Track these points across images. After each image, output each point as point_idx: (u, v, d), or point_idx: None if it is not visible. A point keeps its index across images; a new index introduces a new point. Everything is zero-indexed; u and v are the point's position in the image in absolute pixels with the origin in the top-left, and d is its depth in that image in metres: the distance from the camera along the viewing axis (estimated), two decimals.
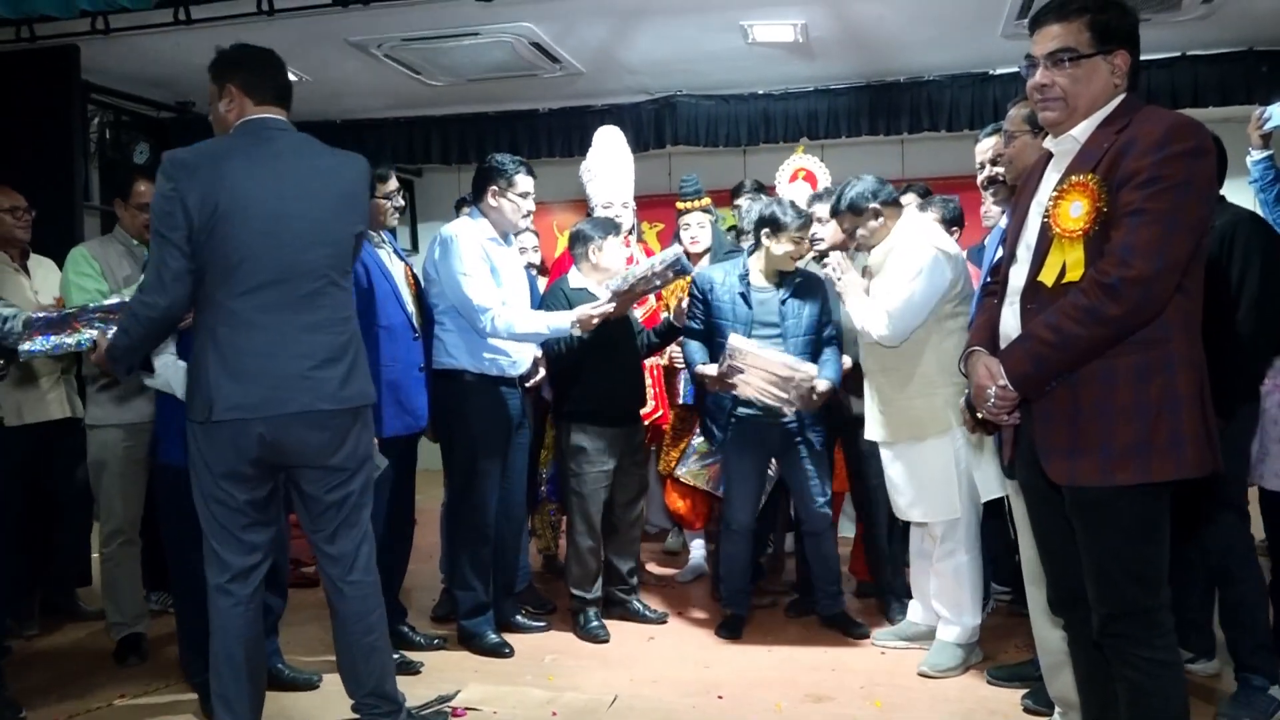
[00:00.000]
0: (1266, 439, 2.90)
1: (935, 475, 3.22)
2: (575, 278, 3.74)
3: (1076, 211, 1.97)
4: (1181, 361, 1.93)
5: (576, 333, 3.41)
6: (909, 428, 3.25)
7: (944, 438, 3.20)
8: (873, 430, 3.37)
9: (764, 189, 4.82)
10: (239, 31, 4.81)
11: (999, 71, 5.95)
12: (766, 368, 3.36)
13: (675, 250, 3.41)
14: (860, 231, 3.32)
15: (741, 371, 3.38)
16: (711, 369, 3.48)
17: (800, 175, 4.65)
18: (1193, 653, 3.14)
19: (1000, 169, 3.00)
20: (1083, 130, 2.05)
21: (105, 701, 3.10)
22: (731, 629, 3.67)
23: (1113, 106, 2.03)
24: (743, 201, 4.55)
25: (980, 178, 3.12)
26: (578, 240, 3.76)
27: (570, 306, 3.57)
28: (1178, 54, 5.60)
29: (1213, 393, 2.51)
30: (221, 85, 2.49)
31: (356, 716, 2.64)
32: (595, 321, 3.37)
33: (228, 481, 2.42)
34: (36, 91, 5.03)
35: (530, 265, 4.25)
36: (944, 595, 3.31)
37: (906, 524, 3.54)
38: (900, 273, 3.18)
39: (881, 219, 3.29)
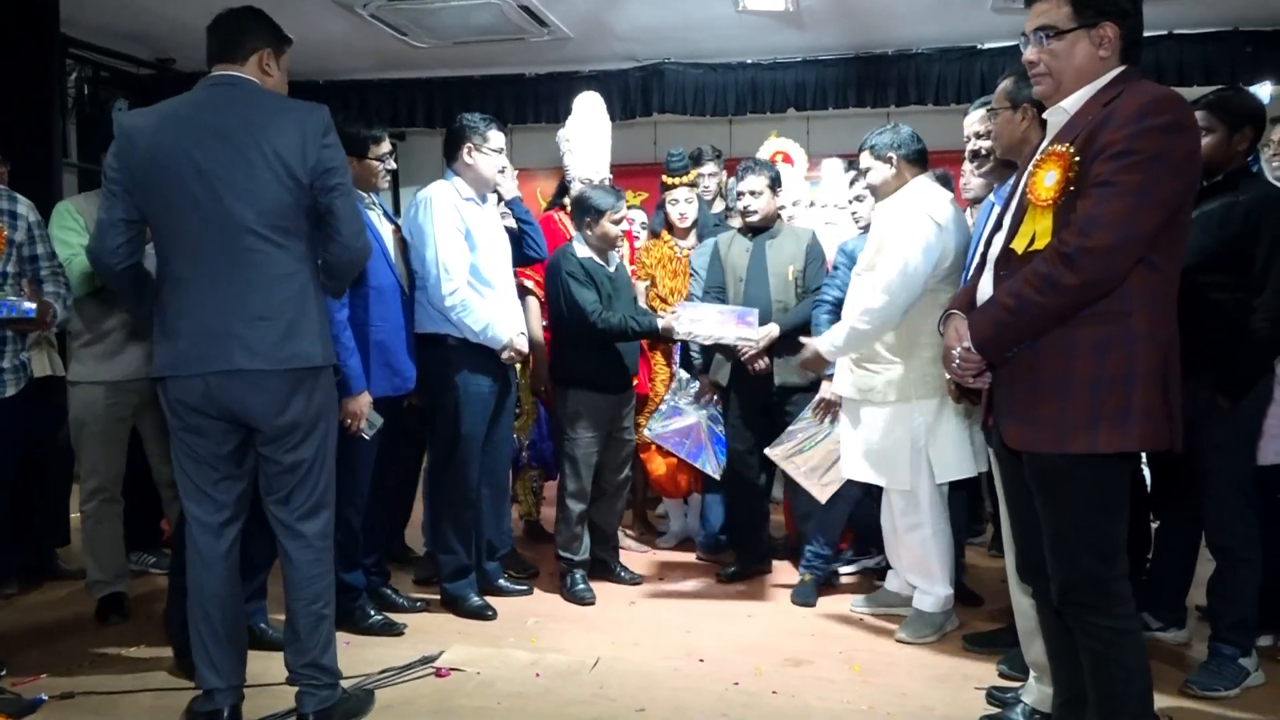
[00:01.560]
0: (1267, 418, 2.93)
1: (890, 441, 3.26)
2: (581, 247, 3.73)
3: (1050, 181, 2.00)
4: (1142, 337, 1.94)
5: (504, 356, 3.47)
6: (874, 391, 3.28)
7: (906, 406, 3.23)
8: (840, 386, 3.44)
9: (720, 155, 4.82)
10: None
11: (988, 46, 5.98)
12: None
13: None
14: (872, 179, 3.32)
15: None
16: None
17: (779, 158, 4.66)
18: (1163, 622, 3.21)
19: (984, 143, 3.02)
20: (1073, 102, 2.06)
21: (86, 659, 3.09)
22: (804, 595, 3.70)
23: (1106, 79, 2.02)
24: (705, 169, 4.58)
25: (966, 150, 3.13)
26: (585, 209, 3.72)
27: (588, 277, 3.64)
28: (1164, 32, 5.64)
29: (1227, 373, 2.57)
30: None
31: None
32: (514, 360, 3.54)
33: (188, 434, 2.43)
34: (15, 44, 4.94)
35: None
36: (915, 567, 3.37)
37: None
38: (896, 246, 3.15)
39: (894, 170, 3.27)
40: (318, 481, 2.52)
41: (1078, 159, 1.96)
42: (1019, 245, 2.06)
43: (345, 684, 2.68)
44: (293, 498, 2.49)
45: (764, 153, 4.64)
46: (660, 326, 3.64)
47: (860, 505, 3.88)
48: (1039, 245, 2.01)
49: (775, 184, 3.92)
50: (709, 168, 4.71)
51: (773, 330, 3.68)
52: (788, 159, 4.62)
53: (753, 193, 3.87)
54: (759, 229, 3.91)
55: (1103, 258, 1.90)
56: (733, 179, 4.26)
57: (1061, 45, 2.03)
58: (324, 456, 2.53)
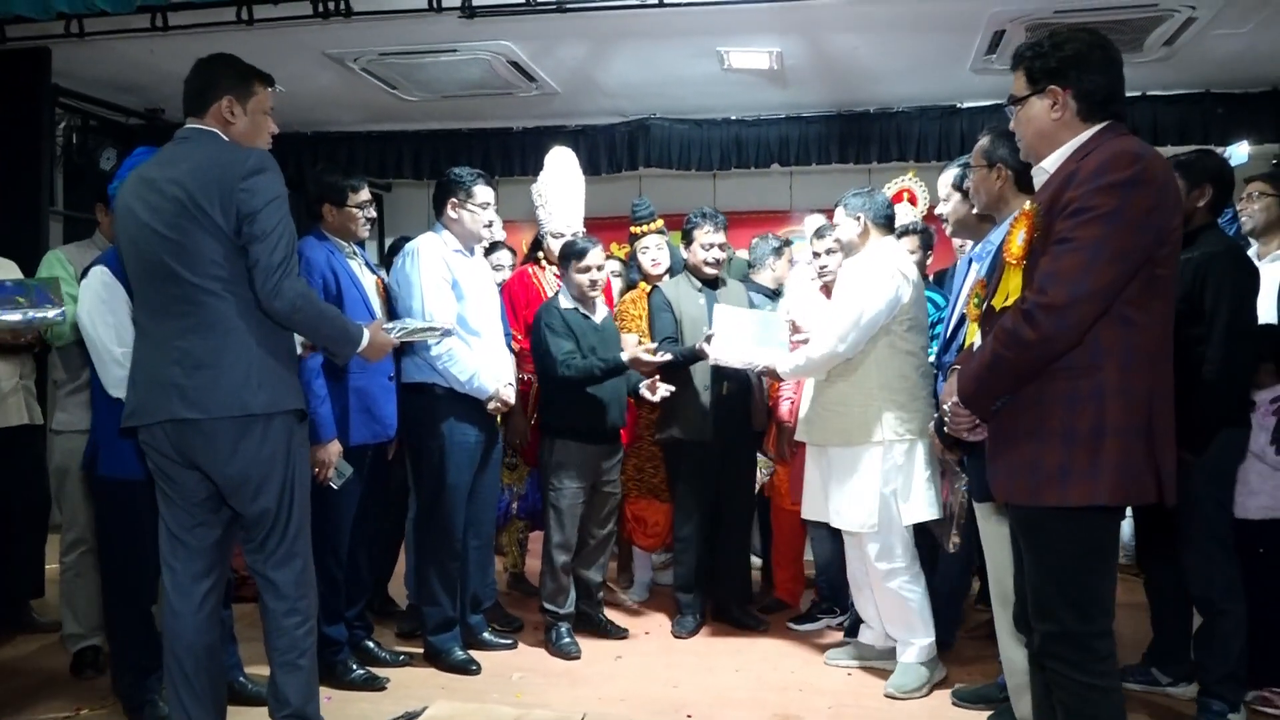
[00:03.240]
0: (1245, 470, 2.97)
1: (855, 482, 3.29)
2: (564, 299, 3.76)
3: (1021, 239, 2.06)
4: (1113, 391, 1.95)
5: (490, 407, 3.49)
6: (840, 433, 3.33)
7: (874, 449, 3.27)
8: (803, 431, 3.49)
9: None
10: (214, 40, 4.80)
11: (967, 105, 6.11)
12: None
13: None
14: (840, 234, 3.43)
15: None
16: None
17: (904, 196, 4.75)
18: (1171, 677, 3.20)
19: (944, 207, 3.11)
20: (1052, 162, 2.12)
21: (61, 713, 3.02)
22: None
23: (1083, 138, 2.07)
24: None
25: (943, 209, 3.18)
26: (559, 260, 3.78)
27: (566, 328, 3.65)
28: (1138, 94, 5.79)
29: (1182, 426, 2.59)
30: None
31: None
32: (500, 411, 3.56)
33: (163, 479, 2.46)
34: (5, 94, 4.97)
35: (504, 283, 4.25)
36: (894, 618, 3.36)
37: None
38: (858, 287, 3.27)
39: (861, 229, 3.38)
40: (285, 530, 2.48)
41: (1041, 218, 2.01)
42: (997, 303, 2.13)
43: None
44: (265, 546, 2.48)
45: (892, 189, 4.70)
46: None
47: (830, 561, 3.89)
48: (1010, 302, 2.06)
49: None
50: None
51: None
52: (913, 199, 4.69)
53: (720, 245, 3.94)
54: (709, 281, 3.98)
55: (1058, 313, 1.93)
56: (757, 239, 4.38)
57: (1022, 111, 2.15)
58: (289, 505, 2.48)
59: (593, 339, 3.72)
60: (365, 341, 2.66)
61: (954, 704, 3.17)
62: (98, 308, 2.80)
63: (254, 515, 2.45)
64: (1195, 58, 5.25)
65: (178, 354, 2.37)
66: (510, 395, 3.55)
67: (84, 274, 2.91)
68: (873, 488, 3.26)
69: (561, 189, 4.19)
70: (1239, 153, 5.28)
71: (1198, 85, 5.80)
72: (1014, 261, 2.07)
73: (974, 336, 2.60)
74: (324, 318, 2.55)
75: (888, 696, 3.25)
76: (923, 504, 3.24)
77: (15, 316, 3.00)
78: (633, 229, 4.36)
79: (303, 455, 2.55)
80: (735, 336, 3.62)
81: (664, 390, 3.67)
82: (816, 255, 3.88)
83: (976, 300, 2.82)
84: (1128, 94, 6.08)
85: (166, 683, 2.49)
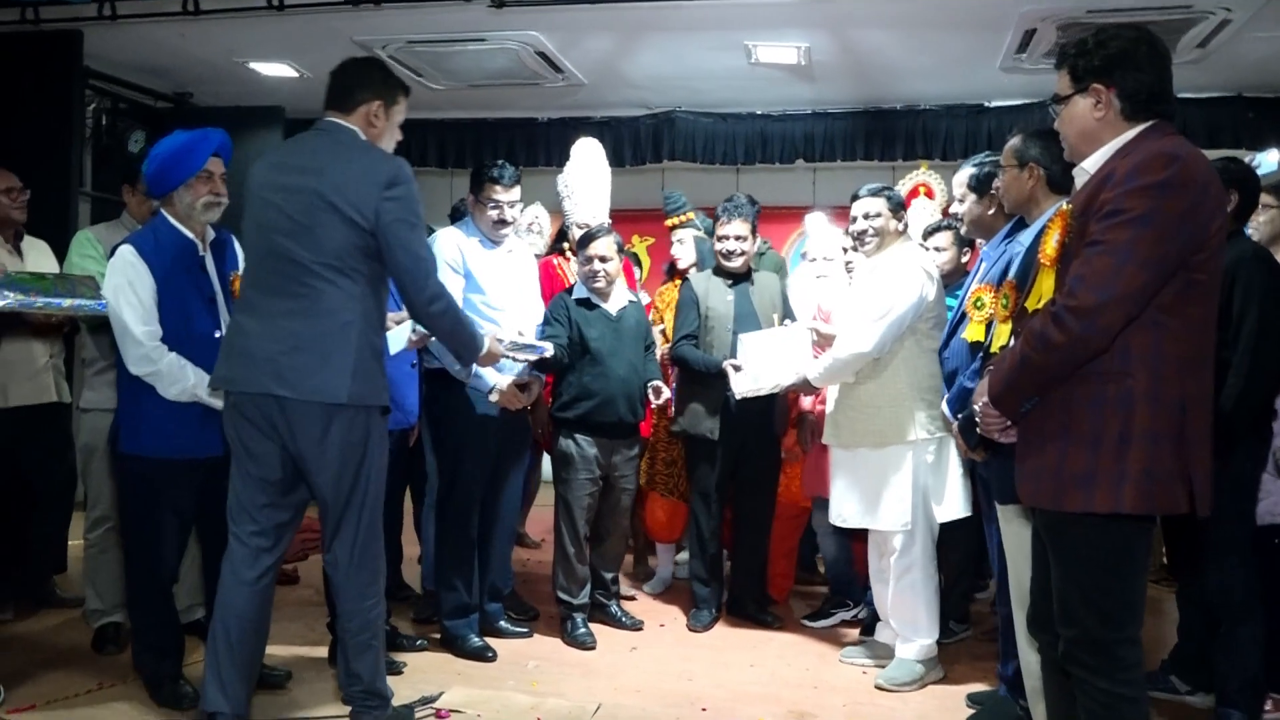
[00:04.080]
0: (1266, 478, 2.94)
1: (889, 483, 3.29)
2: (579, 289, 3.77)
3: (1055, 241, 2.06)
4: (1142, 398, 1.92)
5: (490, 398, 3.44)
6: (871, 435, 3.32)
7: (904, 448, 3.27)
8: (831, 435, 3.47)
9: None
10: (246, 24, 4.83)
11: (995, 104, 6.06)
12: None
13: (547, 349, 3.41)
14: (872, 229, 3.36)
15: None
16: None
17: (920, 190, 4.72)
18: (1190, 685, 3.18)
19: (959, 208, 3.11)
20: (1093, 163, 2.08)
21: (83, 689, 3.05)
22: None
23: (1127, 137, 2.03)
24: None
25: (958, 209, 3.17)
26: (579, 247, 3.78)
27: (567, 320, 3.66)
28: None
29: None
30: None
31: (338, 713, 2.68)
32: (508, 404, 3.47)
33: (243, 451, 2.54)
34: (37, 75, 5.01)
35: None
36: (900, 613, 3.36)
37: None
38: (885, 286, 3.27)
39: (895, 227, 3.38)
40: (360, 516, 2.58)
41: (1076, 219, 2.00)
42: (1030, 304, 2.12)
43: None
44: (340, 531, 2.58)
45: (907, 184, 4.67)
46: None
47: (838, 557, 3.90)
48: (1045, 303, 2.05)
49: (754, 229, 3.99)
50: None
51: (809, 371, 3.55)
52: (929, 193, 4.67)
53: (737, 237, 3.90)
54: (739, 274, 3.95)
55: (1086, 317, 1.91)
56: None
57: (1065, 110, 2.11)
58: (364, 493, 2.58)
59: (602, 329, 3.70)
60: (485, 349, 2.90)
61: (968, 705, 3.15)
62: (123, 287, 2.82)
63: (330, 499, 2.55)
64: (1228, 60, 5.19)
65: (282, 333, 2.47)
66: (510, 396, 3.47)
67: (112, 253, 2.93)
68: (906, 487, 3.26)
69: (586, 180, 4.18)
70: (1269, 161, 5.22)
71: (1230, 89, 5.73)
72: (1048, 263, 2.06)
73: (1004, 337, 2.60)
74: (461, 321, 2.77)
75: (877, 687, 3.28)
76: (956, 502, 3.24)
77: (66, 302, 3.06)
78: (668, 222, 4.37)
79: (381, 448, 2.64)
80: (759, 363, 3.62)
81: (666, 394, 3.77)
82: (848, 250, 3.87)
83: (976, 301, 2.83)
84: None
85: (208, 651, 2.55)
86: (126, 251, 2.85)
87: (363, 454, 2.55)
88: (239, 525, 2.57)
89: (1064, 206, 2.07)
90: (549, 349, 3.38)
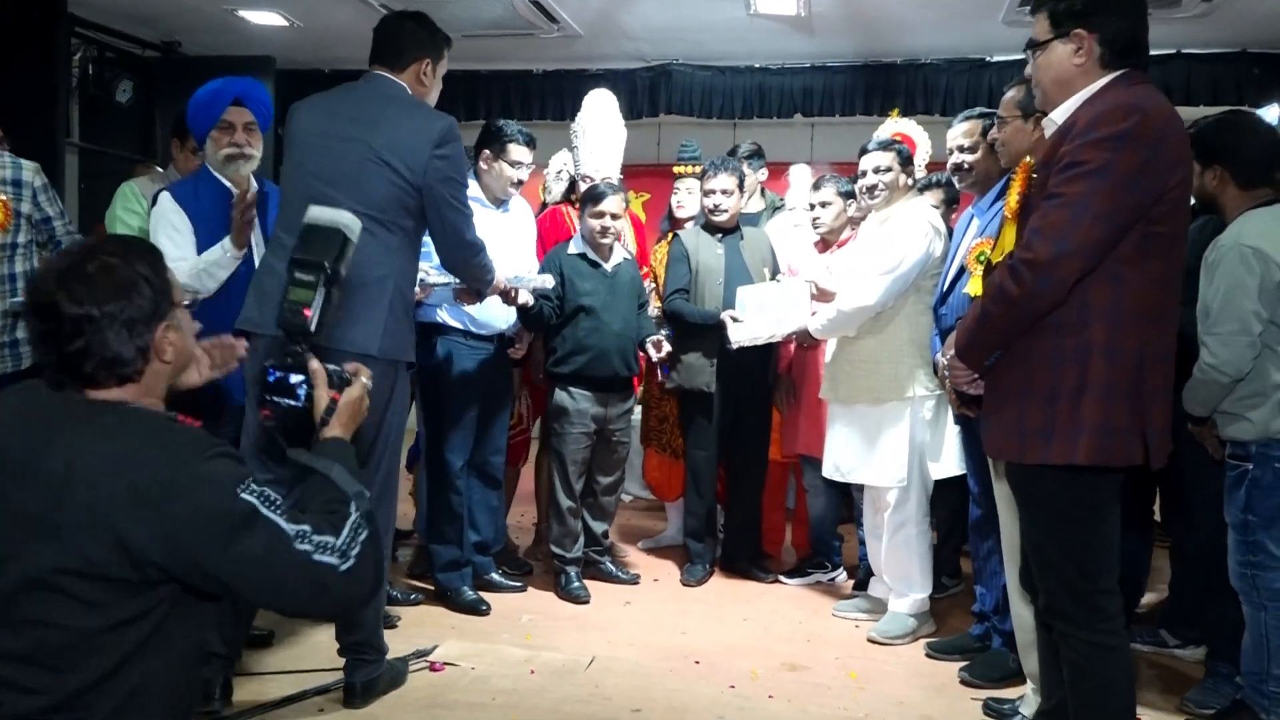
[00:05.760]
0: None
1: (886, 439, 3.29)
2: (575, 244, 3.73)
3: (1017, 194, 2.06)
4: (1098, 350, 1.92)
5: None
6: (870, 390, 3.31)
7: (902, 404, 3.27)
8: (828, 389, 3.46)
9: (759, 153, 4.70)
10: None
11: (997, 58, 5.98)
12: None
13: (548, 281, 3.42)
14: (881, 184, 3.32)
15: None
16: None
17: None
18: (1180, 639, 3.21)
19: (968, 157, 3.04)
20: (1060, 113, 2.05)
21: None
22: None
23: (1095, 87, 1.99)
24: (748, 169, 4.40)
25: (949, 163, 3.13)
26: (589, 202, 3.73)
27: (561, 275, 3.63)
28: (1173, 51, 5.66)
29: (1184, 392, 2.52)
30: None
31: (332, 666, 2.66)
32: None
33: (256, 393, 2.47)
34: (22, 23, 4.91)
35: None
36: (893, 568, 3.38)
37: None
38: (893, 240, 3.24)
39: (905, 182, 3.35)
40: (378, 469, 2.59)
41: (1035, 173, 1.98)
42: (995, 256, 2.14)
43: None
44: None
45: (884, 132, 4.58)
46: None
47: (823, 515, 3.91)
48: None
49: (742, 184, 3.95)
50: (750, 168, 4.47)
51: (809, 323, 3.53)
52: (910, 142, 4.57)
53: (724, 191, 3.87)
54: (727, 229, 3.92)
55: (1042, 270, 1.91)
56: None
57: (1043, 57, 2.06)
58: (384, 445, 2.60)
59: (596, 284, 3.68)
60: (494, 280, 3.00)
61: (927, 655, 3.19)
62: (162, 225, 2.84)
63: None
64: (1233, 15, 5.12)
65: None
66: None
67: (153, 203, 2.96)
68: (903, 443, 3.26)
69: (597, 132, 4.10)
70: (1270, 115, 5.17)
71: (1234, 44, 5.65)
72: (1010, 216, 2.05)
73: (977, 290, 2.59)
74: (488, 265, 2.87)
75: (869, 640, 3.31)
76: (952, 459, 3.24)
77: None
78: (676, 169, 4.31)
79: (402, 404, 2.70)
80: (757, 314, 3.60)
81: (667, 348, 3.72)
82: (814, 207, 3.82)
83: (979, 255, 2.80)
84: (1162, 52, 5.97)
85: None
86: (164, 198, 2.89)
87: (385, 407, 2.56)
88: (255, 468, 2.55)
89: (1027, 160, 2.04)
90: (550, 281, 3.41)
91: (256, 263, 2.85)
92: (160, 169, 3.58)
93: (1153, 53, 2.09)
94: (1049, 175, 1.95)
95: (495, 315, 3.47)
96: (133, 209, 3.41)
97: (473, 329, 3.47)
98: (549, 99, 6.57)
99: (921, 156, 4.38)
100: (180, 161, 3.54)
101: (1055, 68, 2.03)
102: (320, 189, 2.46)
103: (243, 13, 5.53)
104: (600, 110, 4.14)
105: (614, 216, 3.67)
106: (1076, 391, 1.93)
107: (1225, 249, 2.46)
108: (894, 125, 4.59)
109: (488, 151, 3.51)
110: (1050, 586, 2.05)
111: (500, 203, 3.57)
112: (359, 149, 2.49)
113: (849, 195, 3.72)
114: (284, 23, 5.62)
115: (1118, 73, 1.99)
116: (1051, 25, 2.03)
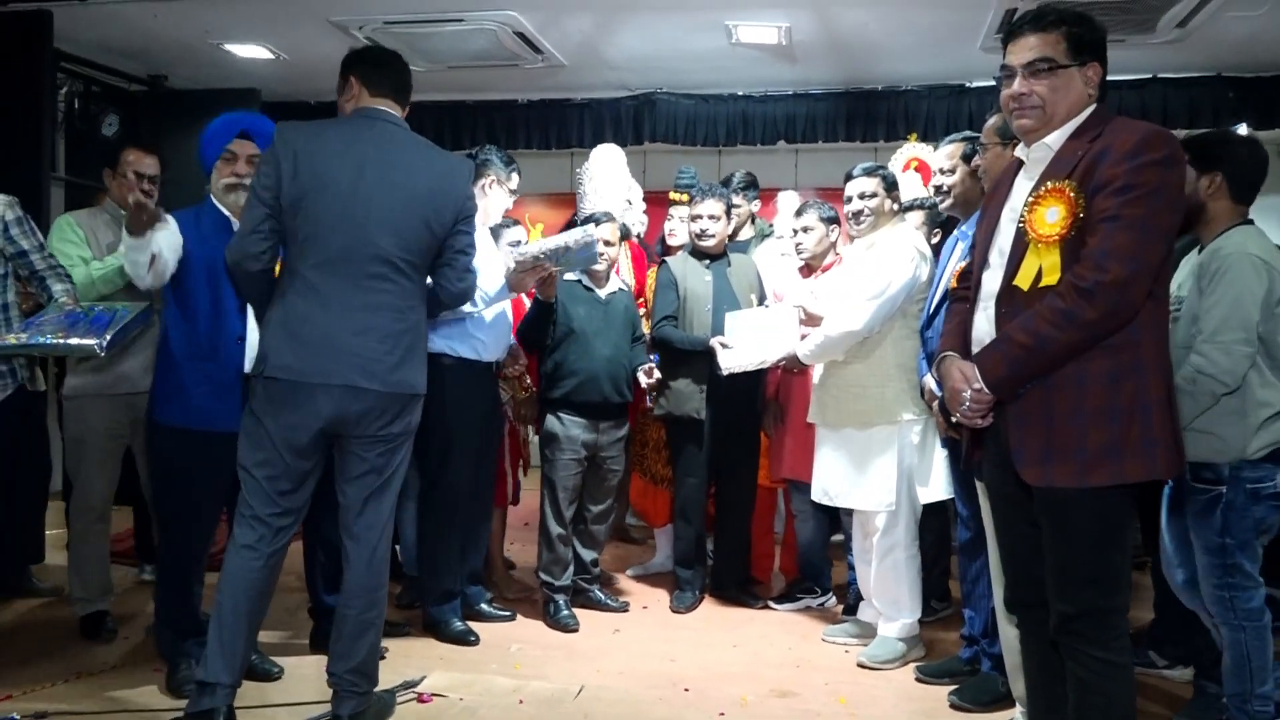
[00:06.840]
0: None
1: (875, 463, 3.30)
2: (571, 273, 3.75)
3: (1053, 217, 2.02)
4: (1151, 365, 1.99)
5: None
6: (857, 415, 3.32)
7: (890, 428, 3.28)
8: (816, 414, 3.48)
9: (753, 183, 4.77)
10: (218, 5, 4.75)
11: (976, 84, 6.04)
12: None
13: (588, 233, 3.42)
14: (867, 209, 3.36)
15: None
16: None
17: (913, 165, 4.64)
18: (1168, 660, 3.22)
19: (948, 179, 3.07)
20: (1056, 139, 2.10)
21: (60, 678, 3.02)
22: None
23: (1084, 117, 2.09)
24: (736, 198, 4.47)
25: (946, 181, 3.15)
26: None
27: (556, 303, 3.67)
28: (1149, 75, 5.74)
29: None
30: (345, 77, 2.69)
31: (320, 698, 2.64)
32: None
33: (281, 443, 2.50)
34: (7, 57, 4.92)
35: None
36: (883, 592, 3.38)
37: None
38: (879, 266, 3.27)
39: (890, 207, 3.39)
40: (389, 492, 2.64)
41: (1082, 195, 1.99)
42: (1023, 282, 2.06)
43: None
44: (369, 503, 2.60)
45: (899, 158, 4.59)
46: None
47: (812, 540, 3.91)
48: (1048, 281, 2.02)
49: (729, 211, 3.99)
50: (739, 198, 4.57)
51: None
52: (923, 167, 4.60)
53: (711, 217, 3.90)
54: (715, 255, 3.95)
55: (1119, 290, 1.94)
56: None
57: (1059, 80, 2.07)
58: (400, 472, 2.67)
59: (589, 309, 3.71)
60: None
61: (917, 679, 3.18)
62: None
63: (377, 468, 2.59)
64: (1208, 40, 5.20)
65: (361, 324, 2.49)
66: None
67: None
68: (891, 467, 3.27)
69: (604, 186, 4.30)
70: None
71: (1209, 69, 5.74)
72: (1046, 239, 2.02)
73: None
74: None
75: (859, 666, 3.30)
76: (940, 483, 3.26)
77: (47, 340, 2.85)
78: (672, 195, 4.38)
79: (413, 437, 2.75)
80: (746, 340, 3.63)
81: (656, 375, 3.74)
82: (797, 233, 3.85)
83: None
84: (1139, 76, 6.06)
85: (213, 621, 2.53)
86: (169, 221, 2.90)
87: (409, 438, 2.67)
88: (262, 507, 2.53)
89: (1058, 183, 2.03)
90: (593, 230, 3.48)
91: (215, 290, 2.82)
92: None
93: (1130, 77, 2.20)
94: (1089, 198, 1.97)
95: (494, 345, 3.52)
96: (70, 239, 3.39)
97: (484, 357, 3.51)
98: (534, 128, 6.61)
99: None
100: (114, 190, 3.55)
101: (1073, 94, 2.08)
102: (361, 232, 2.49)
103: (229, 46, 5.56)
104: (609, 166, 4.36)
105: (607, 244, 3.70)
106: (1140, 409, 1.96)
107: (1231, 258, 2.48)
108: (911, 150, 4.64)
109: (493, 179, 3.63)
110: (1069, 608, 2.05)
111: (494, 231, 3.70)
112: (403, 195, 2.53)
113: (832, 221, 3.76)
114: (270, 55, 5.65)
115: (1097, 105, 2.09)
116: (1072, 51, 2.07)
